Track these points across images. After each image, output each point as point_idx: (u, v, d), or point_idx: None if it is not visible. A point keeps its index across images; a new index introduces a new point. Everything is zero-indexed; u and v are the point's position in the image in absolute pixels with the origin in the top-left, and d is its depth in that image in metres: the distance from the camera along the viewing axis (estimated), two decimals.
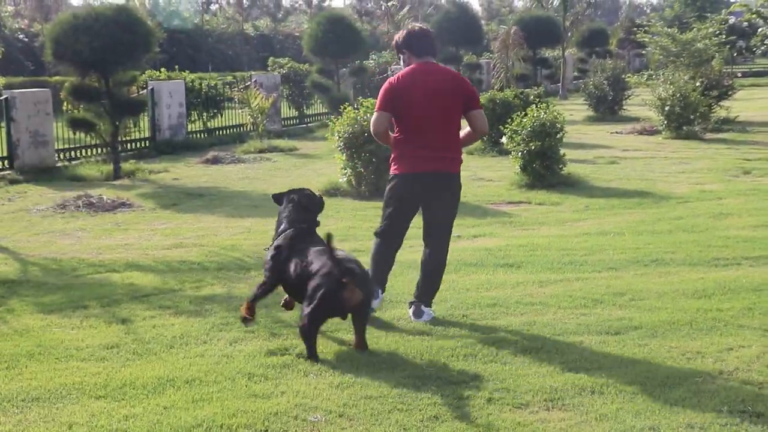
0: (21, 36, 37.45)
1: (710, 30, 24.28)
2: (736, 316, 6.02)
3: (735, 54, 43.48)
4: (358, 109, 11.55)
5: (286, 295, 5.83)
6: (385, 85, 6.04)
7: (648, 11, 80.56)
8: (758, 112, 22.83)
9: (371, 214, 10.18)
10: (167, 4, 46.78)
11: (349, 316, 5.41)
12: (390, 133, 6.11)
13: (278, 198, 6.09)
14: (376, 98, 6.19)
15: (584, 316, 6.07)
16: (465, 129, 6.13)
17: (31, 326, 6.01)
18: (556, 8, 35.27)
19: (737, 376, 4.94)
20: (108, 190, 12.24)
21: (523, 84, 26.06)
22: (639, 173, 13.10)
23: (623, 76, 24.01)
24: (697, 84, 18.85)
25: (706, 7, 49.65)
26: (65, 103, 14.88)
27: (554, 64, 35.17)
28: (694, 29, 24.41)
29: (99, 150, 15.48)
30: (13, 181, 13.07)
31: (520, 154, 11.87)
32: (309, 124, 22.34)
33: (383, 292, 6.22)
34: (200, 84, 19.77)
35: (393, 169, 6.07)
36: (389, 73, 24.57)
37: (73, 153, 15.42)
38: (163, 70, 20.62)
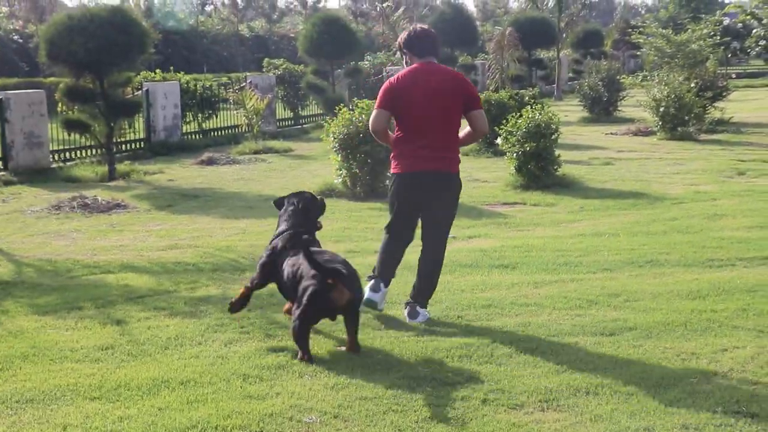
0: (15, 37, 37.36)
1: (705, 31, 24.32)
2: (731, 317, 6.03)
3: (729, 55, 43.60)
4: (353, 110, 11.54)
5: (287, 303, 5.84)
6: (385, 83, 6.10)
7: (643, 12, 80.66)
8: (752, 114, 22.87)
9: (366, 215, 10.19)
10: (162, 5, 46.75)
11: (343, 319, 5.42)
12: (389, 132, 6.15)
13: (279, 203, 6.12)
14: (372, 99, 6.23)
15: (579, 317, 6.08)
16: (465, 129, 6.16)
17: (25, 327, 6.00)
18: (551, 9, 35.32)
19: (732, 376, 4.95)
20: (103, 191, 12.22)
21: (518, 85, 26.07)
22: (634, 174, 13.12)
23: (618, 77, 24.03)
24: (692, 85, 18.88)
25: (700, 8, 49.81)
26: (60, 105, 14.85)
27: (549, 65, 35.22)
28: (689, 30, 24.45)
29: (94, 151, 15.47)
30: (7, 183, 13.05)
31: (515, 155, 11.88)
32: (304, 125, 22.35)
33: (386, 286, 6.21)
34: (195, 85, 19.76)
35: (393, 168, 6.12)
36: (384, 74, 24.58)
37: (67, 154, 15.40)
38: (158, 71, 20.59)
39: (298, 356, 5.22)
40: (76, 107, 14.13)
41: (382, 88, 6.09)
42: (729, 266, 7.51)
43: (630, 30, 35.74)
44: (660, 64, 24.32)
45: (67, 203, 10.93)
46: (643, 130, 18.93)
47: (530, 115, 12.00)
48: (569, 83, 35.71)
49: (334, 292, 5.19)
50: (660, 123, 18.08)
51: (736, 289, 6.69)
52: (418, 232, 6.23)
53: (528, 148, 11.70)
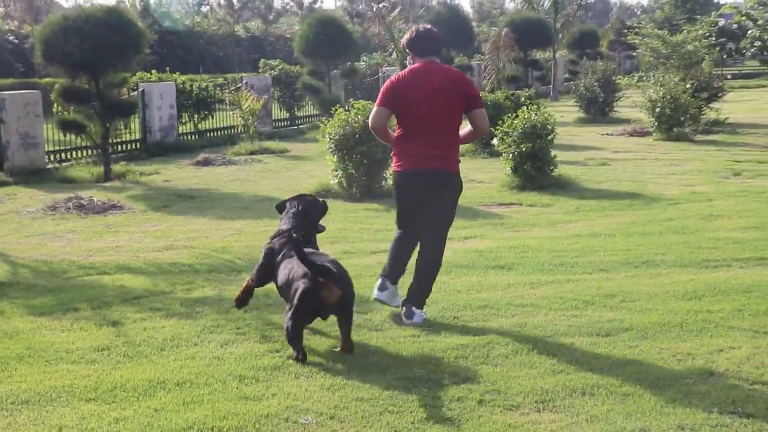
0: (11, 37, 37.34)
1: (700, 32, 24.36)
2: (726, 317, 6.04)
3: (725, 56, 43.65)
4: (349, 110, 11.54)
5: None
6: (386, 82, 6.16)
7: (638, 13, 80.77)
8: (748, 114, 22.91)
9: (362, 215, 10.19)
10: (158, 6, 46.71)
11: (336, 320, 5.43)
12: (389, 131, 6.21)
13: (281, 206, 6.15)
14: (368, 100, 6.29)
15: (575, 318, 6.08)
16: (466, 128, 6.19)
17: (20, 329, 5.98)
18: (547, 10, 35.30)
19: (728, 377, 4.96)
20: (98, 192, 12.20)
21: (514, 86, 26.08)
22: (630, 175, 13.13)
23: (614, 77, 24.06)
24: (688, 86, 18.91)
25: (696, 9, 49.89)
26: (55, 105, 14.82)
27: (545, 66, 35.23)
28: (684, 31, 24.48)
29: (89, 152, 15.45)
30: (2, 183, 13.02)
31: (511, 155, 11.89)
32: (300, 126, 22.34)
33: (393, 284, 6.22)
34: (191, 86, 19.75)
35: (394, 166, 6.17)
36: (381, 74, 24.58)
37: (63, 155, 15.37)
38: (153, 71, 20.63)
39: (293, 357, 5.22)
40: (71, 108, 14.09)
41: (383, 86, 6.16)
42: (725, 267, 7.51)
43: (626, 31, 35.81)
44: (656, 65, 24.34)
45: (62, 204, 10.92)
46: (639, 130, 18.95)
47: (526, 116, 12.01)
48: (565, 84, 35.72)
49: (324, 291, 5.21)
50: (656, 124, 18.10)
51: (732, 290, 6.70)
52: None
53: (524, 149, 11.71)
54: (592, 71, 23.85)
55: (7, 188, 12.74)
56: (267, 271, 5.78)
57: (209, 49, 43.83)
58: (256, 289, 6.04)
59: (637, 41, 26.02)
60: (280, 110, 23.24)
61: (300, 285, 5.26)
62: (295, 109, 23.58)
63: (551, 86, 33.35)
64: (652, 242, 8.50)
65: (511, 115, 12.48)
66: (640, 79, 24.46)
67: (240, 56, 44.83)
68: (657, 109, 17.91)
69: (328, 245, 7.55)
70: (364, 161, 11.11)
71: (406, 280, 6.28)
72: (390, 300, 6.17)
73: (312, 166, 14.67)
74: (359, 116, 11.07)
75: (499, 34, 24.02)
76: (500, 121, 12.42)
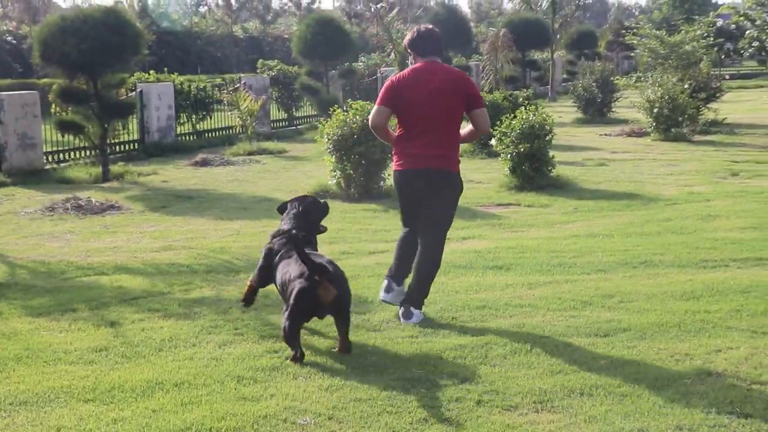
0: (9, 38, 37.31)
1: (698, 32, 24.39)
2: (724, 317, 6.04)
3: (723, 56, 43.69)
4: (347, 111, 11.54)
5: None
6: (387, 81, 6.20)
7: (636, 13, 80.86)
8: (746, 115, 22.93)
9: (360, 216, 10.19)
10: (156, 6, 46.71)
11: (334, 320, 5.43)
12: (389, 130, 6.23)
13: (282, 208, 6.16)
14: (366, 100, 6.31)
15: (573, 318, 6.08)
16: (467, 127, 6.21)
17: (19, 329, 5.98)
18: (545, 10, 35.34)
19: (726, 377, 4.96)
20: (97, 192, 12.20)
21: (512, 86, 26.09)
22: (628, 175, 13.14)
23: (612, 78, 24.06)
24: (686, 86, 18.92)
25: (694, 9, 49.96)
26: (53, 106, 14.81)
27: (543, 67, 35.23)
28: (682, 31, 24.51)
29: (87, 152, 15.44)
30: (0, 184, 13.00)
31: (509, 156, 11.89)
32: (298, 127, 22.33)
33: (399, 285, 6.24)
34: (189, 86, 19.73)
35: (395, 165, 6.19)
36: (379, 75, 24.59)
37: (61, 155, 15.35)
38: (152, 72, 20.58)
39: (291, 357, 5.22)
40: (69, 108, 14.09)
41: (384, 85, 6.19)
42: (723, 267, 7.52)
43: (624, 31, 35.83)
44: (654, 66, 24.36)
45: (60, 205, 10.91)
46: (637, 131, 18.97)
47: (524, 117, 12.01)
48: (563, 84, 35.73)
49: (320, 289, 5.22)
50: (654, 124, 18.11)
51: (730, 290, 6.71)
52: None
53: (522, 149, 11.71)
54: (590, 72, 23.86)
55: (5, 189, 12.73)
56: (267, 272, 5.80)
57: (207, 50, 43.81)
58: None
59: (635, 42, 26.04)
60: (279, 111, 23.24)
61: (296, 285, 5.28)
62: (294, 110, 23.58)
63: (549, 87, 33.36)
64: (650, 242, 8.50)
65: (510, 115, 12.48)
66: (638, 80, 24.46)
67: (238, 57, 44.82)
68: (655, 110, 17.92)
69: (326, 246, 7.55)
70: (363, 161, 11.11)
71: (405, 281, 6.29)
72: (396, 301, 6.18)
73: (310, 167, 14.67)
74: (357, 117, 11.07)
75: (497, 35, 24.01)
76: (498, 122, 12.42)
